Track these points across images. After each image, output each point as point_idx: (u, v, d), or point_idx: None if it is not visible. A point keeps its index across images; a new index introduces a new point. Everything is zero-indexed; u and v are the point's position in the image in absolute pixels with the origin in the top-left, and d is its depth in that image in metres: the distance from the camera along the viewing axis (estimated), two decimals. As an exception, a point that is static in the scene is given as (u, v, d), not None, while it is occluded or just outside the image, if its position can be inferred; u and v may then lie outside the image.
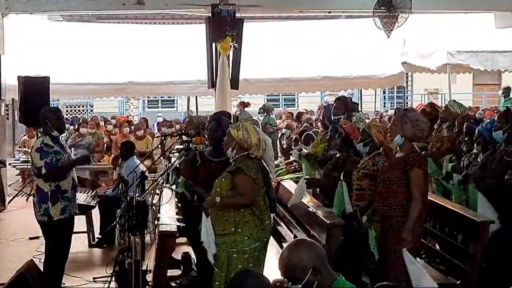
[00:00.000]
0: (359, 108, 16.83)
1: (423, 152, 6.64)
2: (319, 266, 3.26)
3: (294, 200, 6.68)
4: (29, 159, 13.02)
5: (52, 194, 6.27)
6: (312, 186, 7.14)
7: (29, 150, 13.51)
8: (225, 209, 5.08)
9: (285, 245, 7.14)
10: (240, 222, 5.05)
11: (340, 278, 3.34)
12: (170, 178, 6.97)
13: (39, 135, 6.63)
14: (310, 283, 3.23)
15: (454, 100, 8.16)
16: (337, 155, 6.66)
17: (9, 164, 12.75)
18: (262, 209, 5.12)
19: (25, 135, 14.54)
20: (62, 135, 6.81)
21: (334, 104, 7.58)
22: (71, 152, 9.06)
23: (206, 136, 6.19)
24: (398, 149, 5.44)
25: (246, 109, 15.17)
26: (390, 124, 5.80)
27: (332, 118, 7.25)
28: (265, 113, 15.31)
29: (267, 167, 5.66)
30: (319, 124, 12.39)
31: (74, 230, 6.73)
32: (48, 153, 6.24)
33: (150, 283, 6.05)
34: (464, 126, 6.86)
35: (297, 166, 9.57)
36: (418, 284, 4.69)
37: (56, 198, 6.27)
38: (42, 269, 6.39)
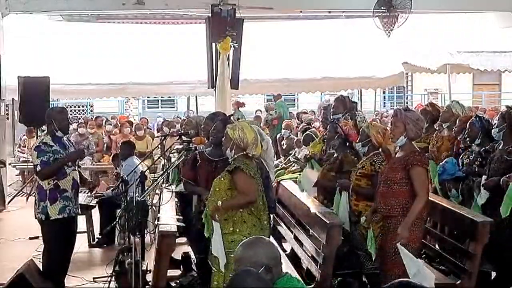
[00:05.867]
0: (359, 108, 16.94)
1: (426, 154, 6.63)
2: (272, 266, 3.33)
3: (309, 191, 6.71)
4: (29, 159, 13.10)
5: (51, 192, 6.26)
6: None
7: (29, 150, 13.60)
8: (228, 210, 5.07)
9: (285, 245, 7.22)
10: (238, 221, 5.04)
11: (286, 276, 3.42)
12: (170, 178, 6.98)
13: (39, 134, 6.64)
14: None
15: (456, 101, 8.13)
16: (335, 155, 6.65)
17: (9, 164, 12.75)
18: (260, 208, 5.12)
19: (24, 135, 14.54)
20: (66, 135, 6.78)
21: (333, 103, 7.58)
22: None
23: (210, 135, 6.16)
24: (398, 149, 5.44)
25: (240, 108, 15.24)
26: (391, 125, 5.77)
27: (331, 117, 7.24)
28: (266, 112, 15.38)
29: (267, 167, 5.67)
30: (317, 124, 12.40)
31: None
32: (46, 152, 6.24)
33: (150, 283, 6.05)
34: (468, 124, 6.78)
35: (296, 167, 9.57)
36: (417, 278, 4.72)
37: (54, 197, 6.26)
38: (42, 269, 6.39)
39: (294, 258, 6.64)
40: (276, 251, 3.47)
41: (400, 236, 5.08)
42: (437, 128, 7.56)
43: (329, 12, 14.44)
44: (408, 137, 5.27)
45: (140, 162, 7.19)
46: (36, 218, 6.38)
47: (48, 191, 6.26)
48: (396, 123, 5.41)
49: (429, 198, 5.71)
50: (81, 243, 8.52)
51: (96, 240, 8.82)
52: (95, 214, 8.94)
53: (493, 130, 6.42)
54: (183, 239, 7.01)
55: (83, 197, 8.80)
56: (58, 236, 6.32)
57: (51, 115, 6.44)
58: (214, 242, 5.06)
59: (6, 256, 8.25)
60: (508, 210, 5.78)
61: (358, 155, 6.20)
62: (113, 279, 5.89)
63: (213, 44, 11.47)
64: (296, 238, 6.70)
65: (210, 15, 11.26)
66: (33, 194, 11.64)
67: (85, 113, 23.21)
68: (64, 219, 6.31)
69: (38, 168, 6.25)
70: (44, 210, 6.25)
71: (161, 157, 9.85)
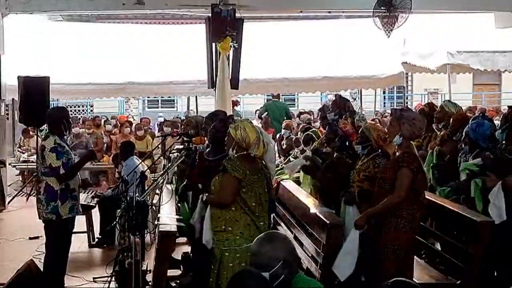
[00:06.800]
0: (359, 108, 16.95)
1: (419, 152, 6.62)
2: (291, 261, 3.32)
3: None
4: (29, 159, 13.12)
5: (62, 192, 6.30)
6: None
7: (29, 149, 13.61)
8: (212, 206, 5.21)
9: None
10: (230, 220, 5.07)
11: (300, 274, 3.40)
12: (169, 179, 6.99)
13: (47, 134, 6.57)
14: (277, 275, 3.27)
15: (449, 100, 8.19)
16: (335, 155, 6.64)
17: (9, 164, 12.75)
18: (255, 210, 5.10)
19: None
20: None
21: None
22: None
23: (208, 134, 6.16)
24: (397, 148, 5.45)
25: (240, 108, 15.26)
26: (388, 125, 5.79)
27: (328, 118, 7.28)
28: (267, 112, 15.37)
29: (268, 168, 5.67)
30: (318, 124, 12.40)
31: (74, 230, 6.75)
32: (62, 153, 6.27)
33: (150, 283, 6.06)
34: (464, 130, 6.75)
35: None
36: (340, 261, 5.11)
37: (65, 197, 6.31)
38: (42, 269, 6.39)
39: (294, 258, 6.63)
40: (293, 246, 3.43)
41: (357, 224, 5.29)
42: (435, 128, 7.58)
43: (329, 12, 14.44)
44: (404, 137, 5.29)
45: (140, 162, 7.20)
46: (42, 218, 6.36)
47: (59, 191, 6.28)
48: (392, 122, 5.47)
49: (429, 198, 5.73)
50: (81, 243, 8.53)
51: (96, 240, 8.83)
52: (95, 214, 8.95)
53: (496, 132, 6.42)
54: (183, 239, 7.01)
55: (83, 197, 8.82)
56: (65, 235, 6.42)
57: (61, 115, 6.44)
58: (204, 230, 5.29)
59: (6, 256, 8.26)
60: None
61: (356, 155, 6.19)
62: (113, 279, 5.90)
63: (213, 44, 11.47)
64: (296, 238, 6.70)
65: (210, 15, 11.26)
66: (34, 195, 11.70)
67: (85, 113, 23.23)
68: (71, 218, 6.40)
69: (62, 170, 6.21)
70: (55, 210, 6.27)
71: (161, 157, 9.86)
